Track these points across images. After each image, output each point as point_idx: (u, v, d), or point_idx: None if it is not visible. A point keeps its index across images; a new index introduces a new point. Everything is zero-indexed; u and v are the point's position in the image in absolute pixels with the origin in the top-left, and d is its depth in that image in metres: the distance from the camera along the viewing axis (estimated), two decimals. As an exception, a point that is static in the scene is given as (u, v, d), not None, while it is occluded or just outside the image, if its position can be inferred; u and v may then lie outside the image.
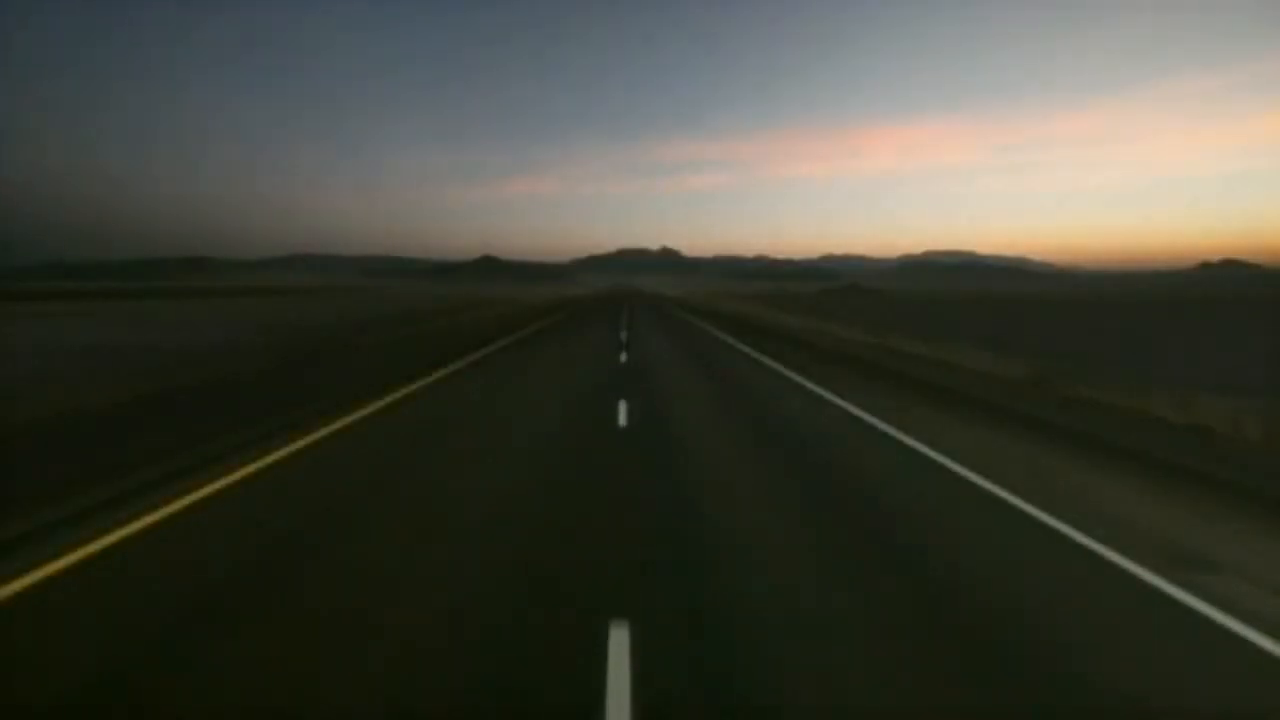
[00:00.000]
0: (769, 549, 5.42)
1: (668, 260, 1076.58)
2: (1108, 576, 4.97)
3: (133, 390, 12.84)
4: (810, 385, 14.62)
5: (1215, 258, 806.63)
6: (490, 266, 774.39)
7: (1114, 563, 5.17)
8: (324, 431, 9.62)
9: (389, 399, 12.48)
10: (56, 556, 5.00)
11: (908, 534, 5.82)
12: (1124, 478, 7.67)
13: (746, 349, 22.99)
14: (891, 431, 9.94)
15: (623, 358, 19.73)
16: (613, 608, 4.28)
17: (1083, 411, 11.85)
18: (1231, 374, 15.88)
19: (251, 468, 7.61)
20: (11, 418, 10.04)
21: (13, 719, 3.22)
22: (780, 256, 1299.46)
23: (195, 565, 4.99)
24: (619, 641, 3.84)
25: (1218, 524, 6.16)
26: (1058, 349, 22.74)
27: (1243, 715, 3.42)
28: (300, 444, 8.83)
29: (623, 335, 27.31)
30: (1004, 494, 6.89)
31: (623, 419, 10.69)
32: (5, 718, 3.25)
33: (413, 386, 14.02)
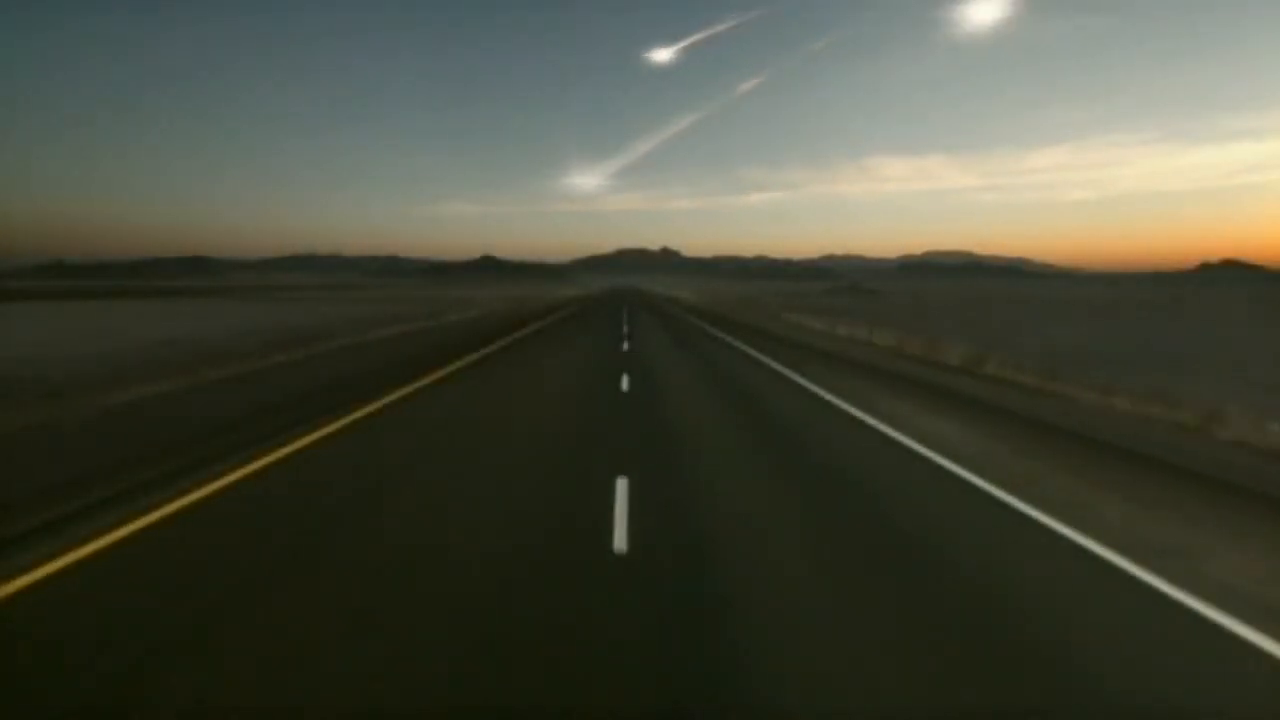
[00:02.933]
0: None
1: (668, 260, 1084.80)
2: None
3: None
4: None
5: (1215, 259, 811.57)
6: (490, 266, 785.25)
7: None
8: None
9: None
10: None
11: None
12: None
13: None
14: None
15: (619, 496, 6.16)
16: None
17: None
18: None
19: None
20: None
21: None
22: (780, 256, 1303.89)
23: None
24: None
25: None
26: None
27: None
28: None
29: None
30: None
31: None
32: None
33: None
